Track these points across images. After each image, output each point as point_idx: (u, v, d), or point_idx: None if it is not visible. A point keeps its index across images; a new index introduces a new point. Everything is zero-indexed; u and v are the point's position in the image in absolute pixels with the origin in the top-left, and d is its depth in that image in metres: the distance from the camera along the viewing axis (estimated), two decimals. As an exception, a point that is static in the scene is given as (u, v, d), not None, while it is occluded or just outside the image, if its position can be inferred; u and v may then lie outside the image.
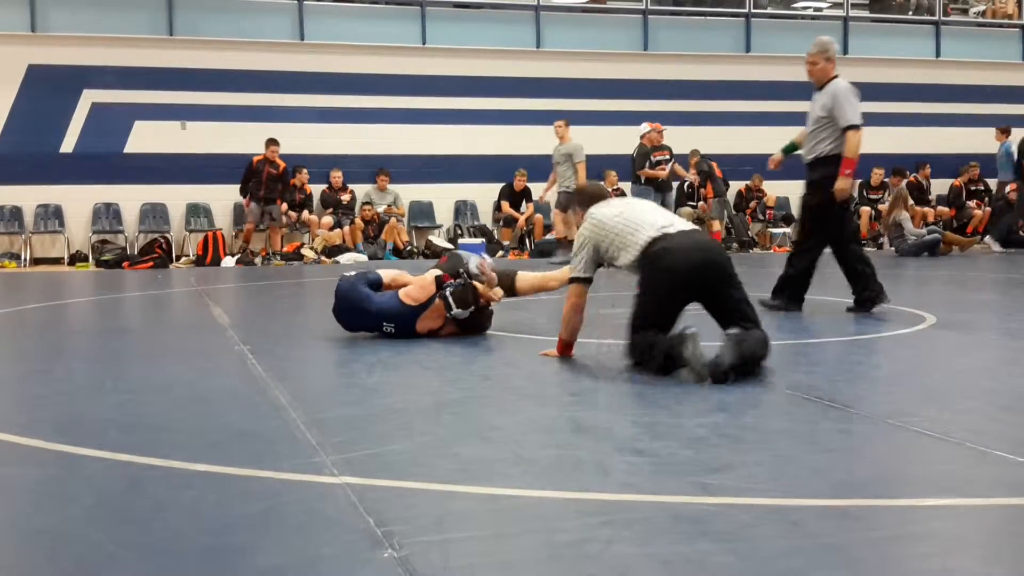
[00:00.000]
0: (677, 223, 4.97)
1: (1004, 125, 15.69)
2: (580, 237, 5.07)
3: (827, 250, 7.34)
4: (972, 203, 16.85)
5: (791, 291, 7.32)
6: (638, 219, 4.91)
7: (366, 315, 5.86)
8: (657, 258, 4.72)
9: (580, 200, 5.34)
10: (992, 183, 17.10)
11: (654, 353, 4.61)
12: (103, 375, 4.98)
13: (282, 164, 13.83)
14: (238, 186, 14.16)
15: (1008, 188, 15.61)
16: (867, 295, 7.16)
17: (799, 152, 7.49)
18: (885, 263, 12.78)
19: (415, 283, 5.93)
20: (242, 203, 14.03)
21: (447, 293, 5.79)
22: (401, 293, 5.88)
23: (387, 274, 6.10)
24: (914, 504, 2.82)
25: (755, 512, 2.69)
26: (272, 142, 13.71)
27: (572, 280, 5.11)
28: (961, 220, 16.59)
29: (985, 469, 3.13)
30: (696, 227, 5.17)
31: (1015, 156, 15.00)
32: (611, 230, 4.91)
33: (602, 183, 6.10)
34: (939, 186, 17.11)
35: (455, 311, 5.78)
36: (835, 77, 7.09)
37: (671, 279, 4.73)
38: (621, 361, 4.82)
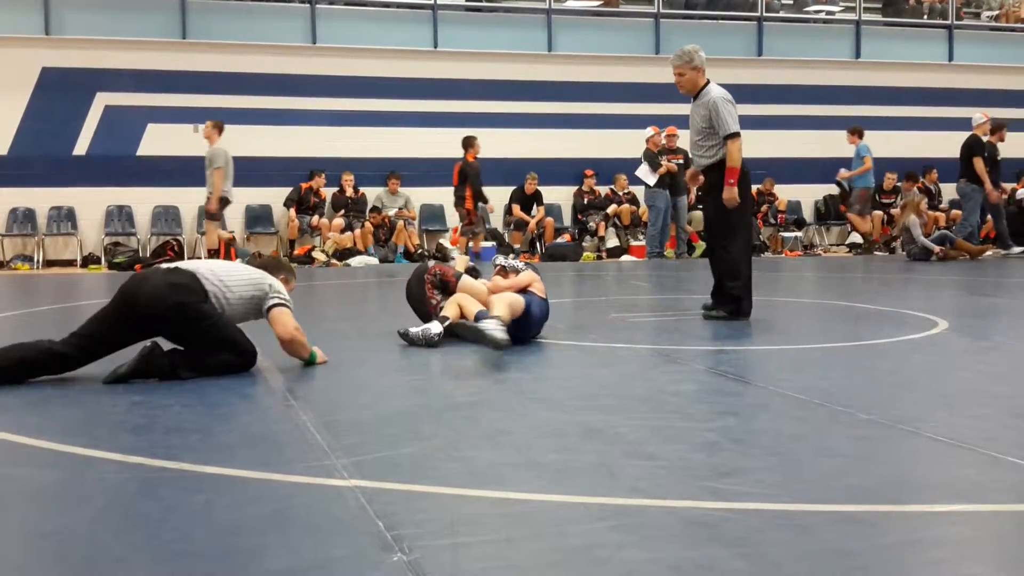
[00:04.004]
0: None
1: (855, 126, 15.23)
2: None
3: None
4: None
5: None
6: None
7: (545, 319, 5.99)
8: None
9: None
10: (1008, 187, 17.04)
11: None
12: (115, 377, 4.99)
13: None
14: (250, 189, 14.29)
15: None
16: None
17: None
18: (897, 268, 12.74)
19: (535, 280, 6.09)
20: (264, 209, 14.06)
21: None
22: (541, 292, 6.04)
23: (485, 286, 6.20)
24: (926, 510, 2.80)
25: (766, 517, 2.68)
26: (475, 140, 13.56)
27: None
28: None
29: (998, 475, 3.11)
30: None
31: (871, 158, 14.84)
32: None
33: None
34: (952, 191, 17.06)
35: None
36: (707, 84, 7.00)
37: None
38: (630, 365, 4.81)
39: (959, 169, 14.03)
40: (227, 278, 4.86)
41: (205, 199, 12.26)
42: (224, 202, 12.23)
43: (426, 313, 6.09)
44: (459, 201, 13.77)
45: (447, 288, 6.14)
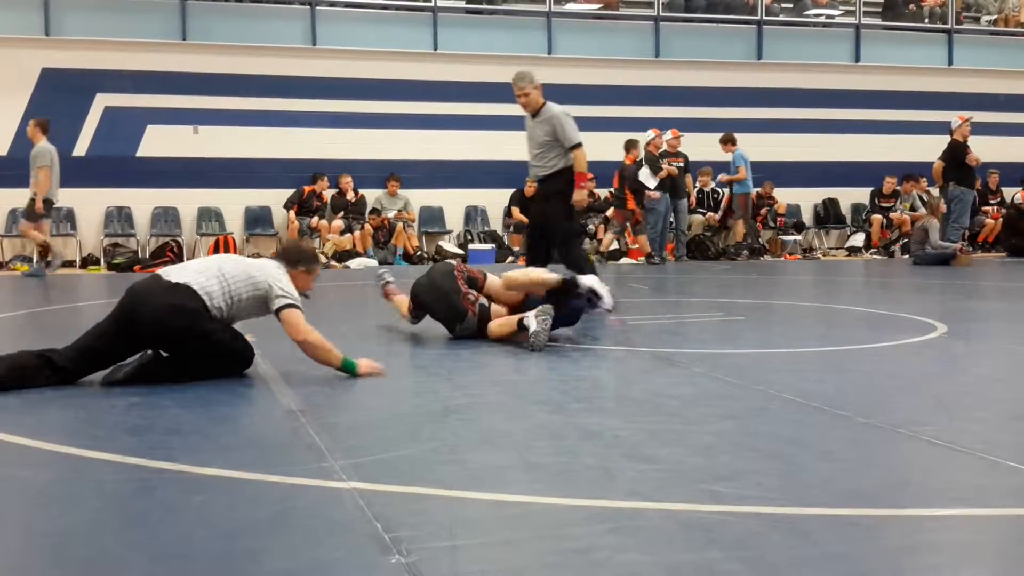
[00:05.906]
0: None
1: (727, 133, 15.01)
2: None
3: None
4: (987, 209, 16.93)
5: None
6: None
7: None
8: None
9: None
10: (1008, 191, 17.10)
11: None
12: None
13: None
14: (249, 191, 14.30)
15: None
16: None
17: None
18: (897, 271, 12.75)
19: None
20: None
21: None
22: None
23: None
24: (924, 514, 2.80)
25: (764, 521, 2.68)
26: (636, 143, 14.11)
27: None
28: (973, 229, 16.54)
29: (996, 479, 3.11)
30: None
31: (747, 164, 14.83)
32: None
33: None
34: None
35: None
36: (546, 103, 7.80)
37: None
38: (628, 367, 4.81)
39: (945, 174, 14.07)
40: (231, 279, 4.69)
41: (28, 201, 12.15)
42: (48, 203, 12.15)
43: (457, 305, 6.02)
44: (619, 203, 14.38)
45: (475, 284, 6.13)
